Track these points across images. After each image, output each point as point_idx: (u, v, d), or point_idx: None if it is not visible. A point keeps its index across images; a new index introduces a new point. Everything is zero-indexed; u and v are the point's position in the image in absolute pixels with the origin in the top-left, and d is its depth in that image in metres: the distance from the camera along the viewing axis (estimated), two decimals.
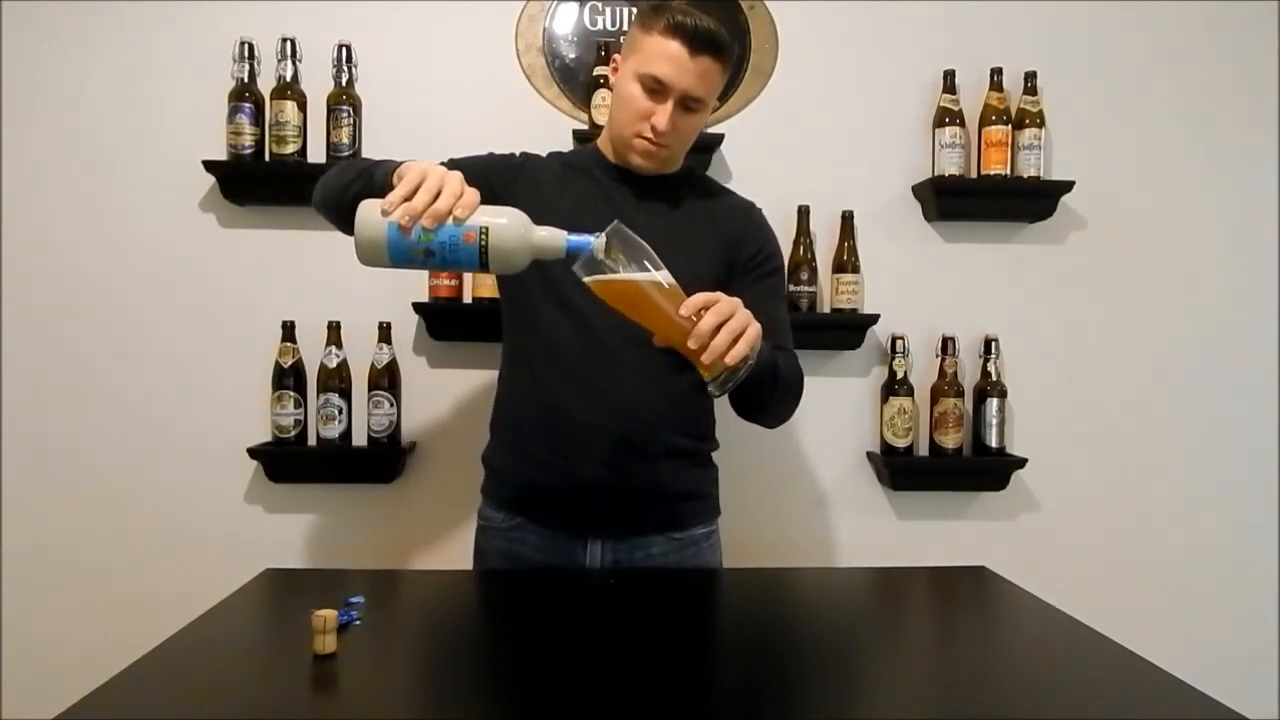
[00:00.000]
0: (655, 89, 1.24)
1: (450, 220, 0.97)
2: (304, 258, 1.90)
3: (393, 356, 1.85)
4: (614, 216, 1.29)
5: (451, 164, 1.30)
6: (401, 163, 1.11)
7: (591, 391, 1.28)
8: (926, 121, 1.97)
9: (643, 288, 0.99)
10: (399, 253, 0.99)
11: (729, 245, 1.36)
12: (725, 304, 1.00)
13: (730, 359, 0.98)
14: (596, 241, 0.97)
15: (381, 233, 0.99)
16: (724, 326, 0.98)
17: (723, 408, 1.38)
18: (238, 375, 1.88)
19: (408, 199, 0.98)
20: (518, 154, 1.40)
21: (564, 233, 1.01)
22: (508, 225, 1.00)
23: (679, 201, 1.37)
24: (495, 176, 1.30)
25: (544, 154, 1.42)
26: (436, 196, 0.98)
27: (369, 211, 1.01)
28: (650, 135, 1.27)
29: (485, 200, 1.05)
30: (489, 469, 1.43)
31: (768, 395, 1.28)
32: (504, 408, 1.41)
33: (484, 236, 0.98)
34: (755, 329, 1.02)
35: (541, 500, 1.32)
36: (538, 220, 1.09)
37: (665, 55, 1.22)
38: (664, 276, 1.00)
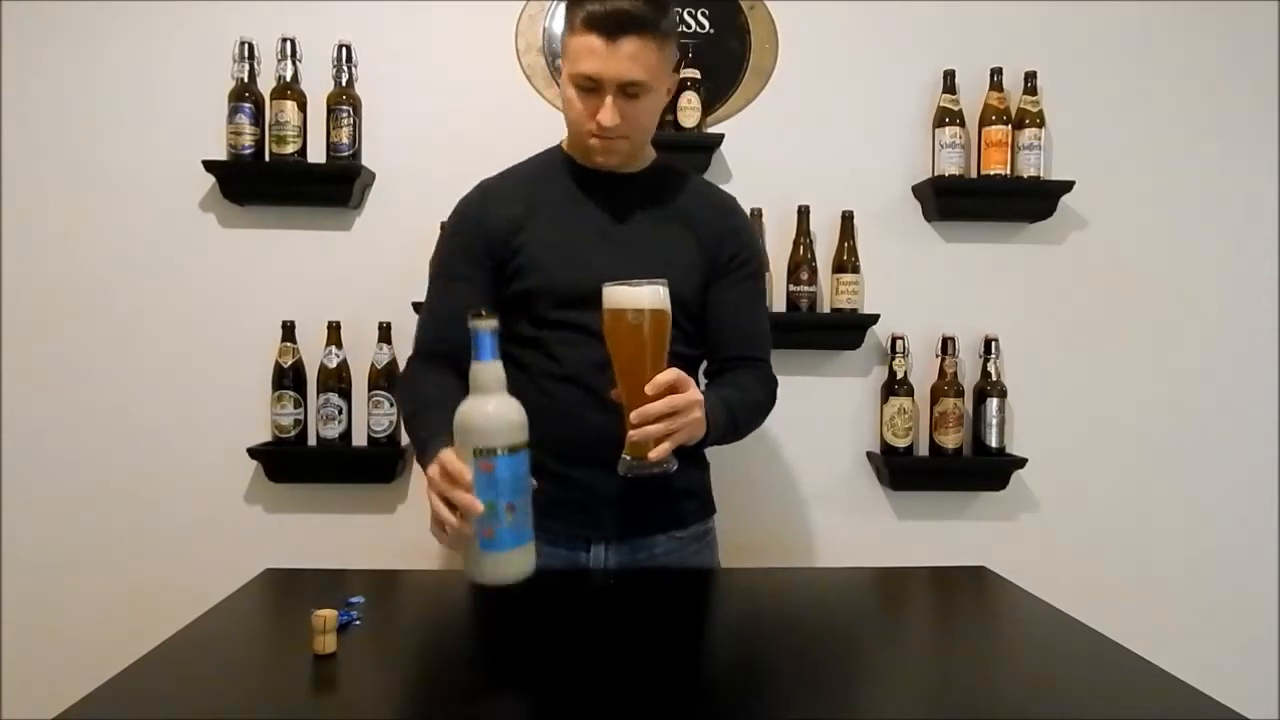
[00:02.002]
0: (590, 87, 1.21)
1: (473, 523, 0.95)
2: (304, 258, 1.90)
3: (393, 356, 1.85)
4: (596, 218, 1.31)
5: (439, 270, 1.35)
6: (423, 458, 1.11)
7: (595, 398, 1.26)
8: (926, 121, 1.97)
9: (646, 343, 1.06)
10: (496, 543, 0.96)
11: (709, 245, 1.34)
12: (683, 400, 1.05)
13: (652, 454, 1.04)
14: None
15: (472, 556, 0.97)
16: (668, 421, 1.04)
17: None
18: (238, 375, 1.88)
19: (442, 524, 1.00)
20: (475, 196, 1.35)
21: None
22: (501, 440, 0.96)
23: (656, 199, 1.35)
24: (486, 243, 1.29)
25: (497, 173, 1.38)
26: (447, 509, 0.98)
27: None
28: (600, 133, 1.24)
29: (493, 265, 1.25)
30: None
31: (724, 442, 1.29)
32: None
33: (492, 464, 0.95)
34: (690, 435, 1.08)
35: (545, 507, 1.29)
36: (525, 242, 1.24)
37: (587, 51, 1.18)
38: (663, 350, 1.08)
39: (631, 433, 1.04)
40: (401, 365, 1.88)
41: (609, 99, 1.20)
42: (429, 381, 1.26)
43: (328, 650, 0.92)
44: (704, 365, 1.41)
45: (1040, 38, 1.98)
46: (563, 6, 1.89)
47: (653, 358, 1.06)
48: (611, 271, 1.21)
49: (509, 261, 1.29)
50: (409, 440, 1.29)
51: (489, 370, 0.96)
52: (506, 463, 0.95)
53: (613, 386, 1.27)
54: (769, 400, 1.37)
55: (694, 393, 1.08)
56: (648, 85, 1.21)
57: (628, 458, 1.06)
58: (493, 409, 0.96)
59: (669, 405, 1.04)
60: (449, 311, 1.27)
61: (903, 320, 1.96)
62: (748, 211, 1.91)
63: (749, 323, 1.38)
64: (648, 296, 1.06)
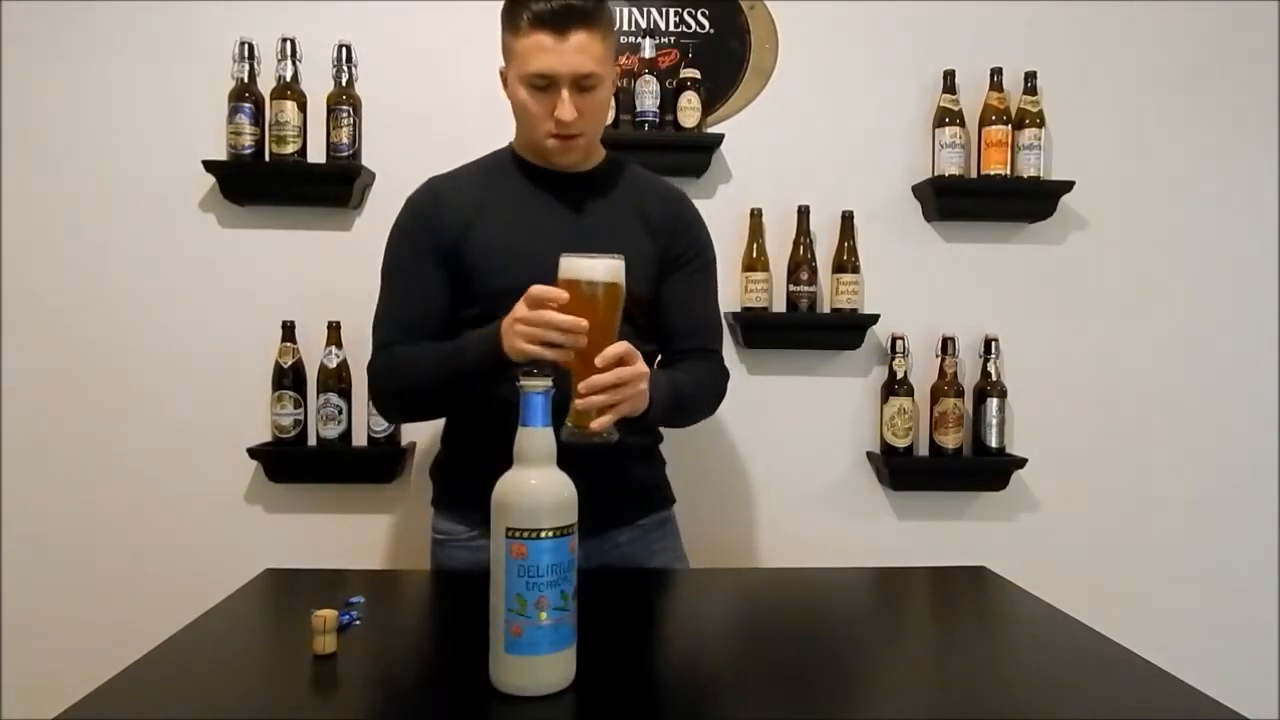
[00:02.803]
0: (543, 85, 1.21)
1: (499, 618, 0.83)
2: (304, 258, 1.90)
3: None
4: (545, 217, 1.31)
5: (394, 268, 1.33)
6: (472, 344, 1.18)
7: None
8: (926, 121, 1.97)
9: (600, 315, 1.05)
10: (525, 644, 0.82)
11: (661, 236, 1.34)
12: (629, 372, 1.07)
13: (593, 424, 1.05)
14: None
15: (495, 658, 0.84)
16: (613, 392, 1.05)
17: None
18: (238, 375, 1.88)
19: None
20: (426, 194, 1.35)
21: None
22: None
23: (608, 194, 1.35)
24: (438, 242, 1.29)
25: (445, 171, 1.39)
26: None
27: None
28: (558, 130, 1.24)
29: (447, 265, 1.25)
30: (442, 482, 1.40)
31: (667, 422, 1.30)
32: (460, 419, 1.37)
33: (528, 549, 0.83)
34: (634, 407, 1.10)
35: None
36: (475, 242, 1.26)
37: (538, 49, 1.19)
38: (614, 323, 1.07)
39: (577, 402, 1.05)
40: None
41: (564, 94, 1.21)
42: (403, 348, 1.28)
43: (328, 650, 0.92)
44: (658, 360, 1.41)
45: (1040, 38, 1.98)
46: None
47: (605, 330, 1.06)
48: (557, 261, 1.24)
49: (461, 261, 1.29)
50: (424, 388, 1.24)
51: (538, 438, 0.85)
52: (547, 549, 0.81)
53: (558, 388, 1.26)
54: (718, 387, 1.39)
55: (640, 366, 1.10)
56: (599, 76, 1.23)
57: (570, 425, 1.04)
58: (536, 482, 0.84)
59: (616, 377, 1.06)
60: (407, 314, 1.29)
61: (903, 320, 1.96)
62: (747, 212, 1.92)
63: (701, 314, 1.39)
64: (604, 269, 1.06)
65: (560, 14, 1.17)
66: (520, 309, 1.07)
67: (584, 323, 1.03)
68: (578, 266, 1.06)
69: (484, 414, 1.30)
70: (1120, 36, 2.00)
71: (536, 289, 1.05)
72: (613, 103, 1.83)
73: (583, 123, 1.24)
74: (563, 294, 1.03)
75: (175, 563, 1.87)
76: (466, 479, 1.33)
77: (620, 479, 1.32)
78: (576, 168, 1.33)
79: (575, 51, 1.19)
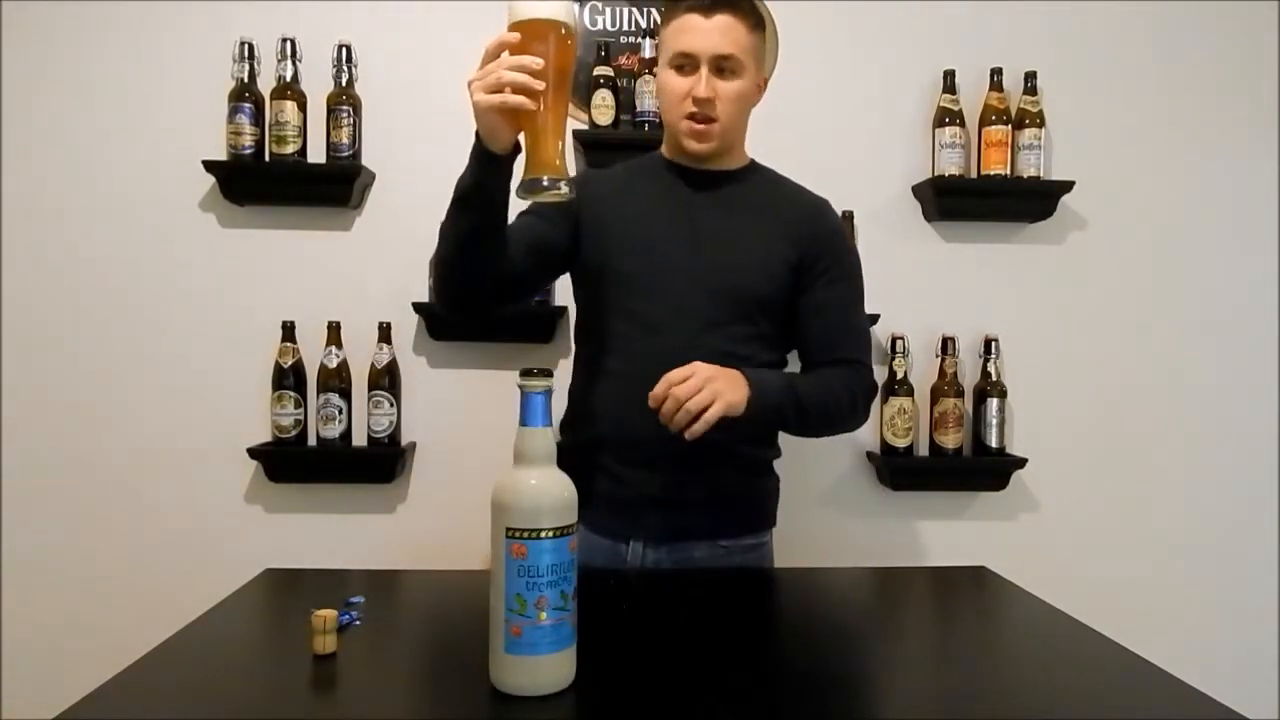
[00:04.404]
0: (685, 64, 1.26)
1: (498, 618, 0.83)
2: (304, 258, 1.90)
3: (393, 356, 1.85)
4: (678, 212, 1.32)
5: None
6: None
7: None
8: (926, 121, 1.97)
9: (554, 48, 1.00)
10: (525, 645, 0.82)
11: (798, 244, 1.32)
12: (679, 373, 1.10)
13: (686, 434, 1.10)
14: None
15: (494, 657, 0.84)
16: (670, 396, 1.10)
17: None
18: (238, 375, 1.88)
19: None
20: (577, 175, 1.41)
21: None
22: None
23: (745, 194, 1.35)
24: (575, 205, 1.28)
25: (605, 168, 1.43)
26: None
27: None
28: (694, 109, 1.26)
29: (569, 224, 1.27)
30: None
31: (788, 423, 1.28)
32: (574, 408, 1.38)
33: (528, 549, 0.82)
34: (724, 402, 1.11)
35: (591, 500, 1.22)
36: (604, 227, 1.27)
37: (684, 29, 1.25)
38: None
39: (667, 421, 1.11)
40: (402, 365, 1.89)
41: (703, 72, 1.24)
42: None
43: (328, 650, 0.92)
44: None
45: (1040, 38, 1.98)
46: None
47: (562, 71, 1.02)
48: (685, 255, 1.26)
49: (588, 236, 1.31)
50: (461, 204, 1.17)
51: (536, 438, 0.84)
52: (547, 549, 0.81)
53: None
54: (852, 393, 1.31)
55: (696, 365, 1.12)
56: (739, 62, 1.26)
57: (525, 179, 1.01)
58: (536, 482, 0.83)
59: (666, 382, 1.10)
60: (512, 230, 1.24)
61: (903, 320, 1.96)
62: None
63: (841, 324, 1.35)
64: (549, 7, 1.01)
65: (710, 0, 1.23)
66: (472, 69, 1.04)
67: (537, 60, 0.99)
68: (524, 7, 1.03)
69: (594, 410, 1.32)
70: (1120, 36, 2.00)
71: (491, 41, 1.03)
72: (613, 101, 1.85)
73: (719, 107, 1.26)
74: (512, 36, 1.01)
75: (175, 563, 1.87)
76: (580, 465, 1.27)
77: (715, 495, 1.29)
78: (717, 165, 1.34)
79: (718, 32, 1.23)
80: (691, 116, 1.27)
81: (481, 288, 1.25)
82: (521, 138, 1.06)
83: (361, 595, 1.09)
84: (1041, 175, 1.93)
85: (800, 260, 1.32)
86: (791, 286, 1.32)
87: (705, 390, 1.10)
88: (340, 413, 1.83)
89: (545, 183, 1.00)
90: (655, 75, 1.40)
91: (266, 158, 1.83)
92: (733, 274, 1.29)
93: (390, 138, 1.89)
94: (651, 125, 1.86)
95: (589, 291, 1.35)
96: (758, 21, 1.29)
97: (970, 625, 1.16)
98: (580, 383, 1.37)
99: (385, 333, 1.85)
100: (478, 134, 1.10)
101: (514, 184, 1.06)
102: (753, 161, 1.40)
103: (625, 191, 1.35)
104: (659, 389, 1.10)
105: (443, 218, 1.20)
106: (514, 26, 1.02)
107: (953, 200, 1.94)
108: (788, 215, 1.35)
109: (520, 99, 1.00)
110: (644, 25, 1.93)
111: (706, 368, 1.12)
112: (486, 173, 1.11)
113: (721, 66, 1.25)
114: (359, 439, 1.86)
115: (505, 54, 1.02)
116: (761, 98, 1.35)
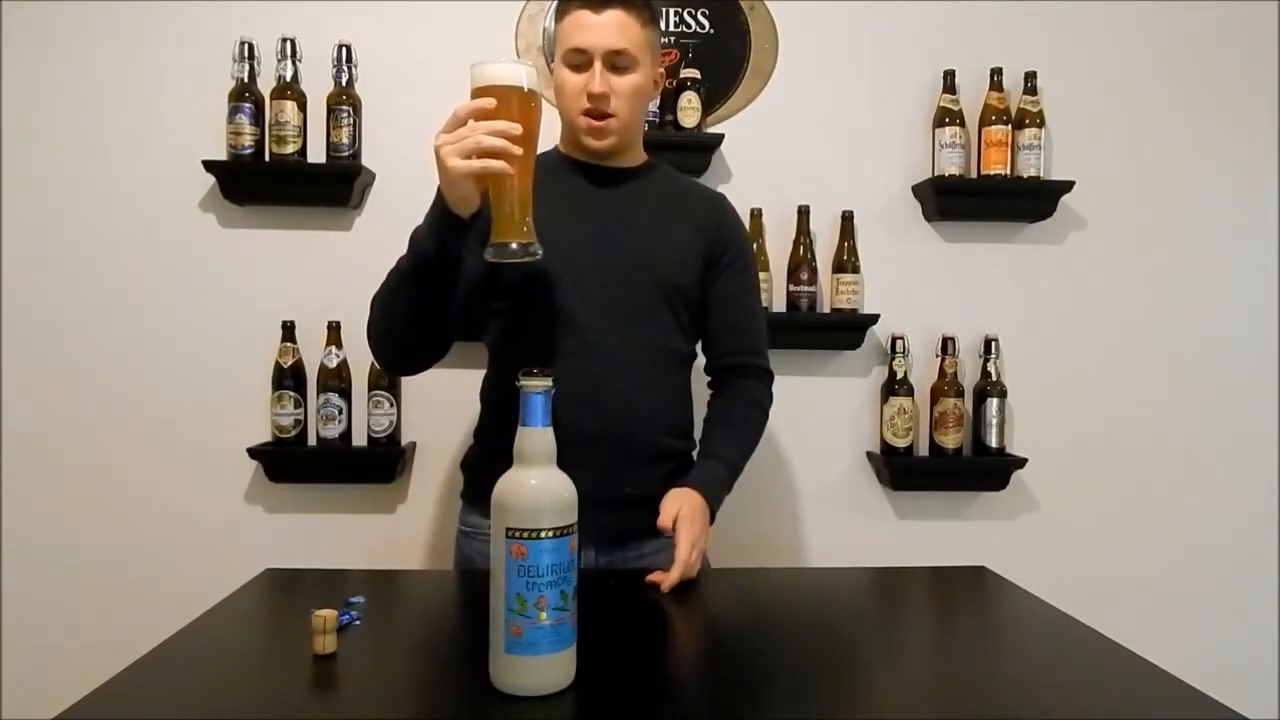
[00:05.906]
0: (578, 61, 1.25)
1: (499, 618, 0.83)
2: (304, 258, 1.90)
3: None
4: (589, 210, 1.32)
5: None
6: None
7: (589, 399, 1.25)
8: (926, 121, 1.97)
9: (522, 112, 1.01)
10: (525, 644, 0.82)
11: (705, 237, 1.35)
12: (695, 563, 1.18)
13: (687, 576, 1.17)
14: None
15: (494, 658, 0.84)
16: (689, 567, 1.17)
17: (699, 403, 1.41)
18: (238, 375, 1.88)
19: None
20: None
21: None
22: None
23: (649, 189, 1.36)
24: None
25: None
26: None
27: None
28: (589, 105, 1.26)
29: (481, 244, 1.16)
30: (472, 476, 1.40)
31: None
32: (493, 416, 1.38)
33: (528, 549, 0.83)
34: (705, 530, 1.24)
35: None
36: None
37: (577, 25, 1.24)
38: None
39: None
40: None
41: (597, 66, 1.24)
42: None
43: (328, 650, 0.92)
44: (707, 381, 1.42)
45: (1040, 38, 1.98)
46: None
47: (530, 135, 1.03)
48: (601, 252, 1.25)
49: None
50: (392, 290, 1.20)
51: (538, 437, 0.84)
52: (547, 549, 0.81)
53: (608, 392, 1.26)
54: (765, 414, 1.41)
55: (688, 536, 1.19)
56: (632, 57, 1.25)
57: (493, 244, 1.04)
58: (536, 483, 0.83)
59: (679, 567, 1.16)
60: None
61: (903, 320, 1.96)
62: (747, 212, 1.92)
63: (746, 320, 1.40)
64: (520, 71, 1.02)
65: None
66: (441, 135, 1.03)
67: (515, 126, 1.00)
68: (491, 73, 1.02)
69: (515, 409, 1.31)
70: (1120, 36, 2.00)
71: (460, 106, 1.02)
72: None
73: (615, 102, 1.26)
74: (487, 102, 1.00)
75: (175, 562, 1.87)
76: (495, 476, 1.32)
77: (655, 489, 1.29)
78: (618, 161, 1.34)
79: (609, 27, 1.23)
80: (588, 113, 1.27)
81: (435, 349, 1.27)
82: (486, 200, 1.06)
83: (361, 595, 1.09)
84: (1041, 175, 1.93)
85: (709, 251, 1.35)
86: (702, 275, 1.35)
87: (695, 551, 1.18)
88: (340, 413, 1.83)
89: (515, 247, 1.03)
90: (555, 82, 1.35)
91: (266, 158, 1.83)
92: (652, 267, 1.30)
93: (390, 138, 1.89)
94: (652, 125, 1.86)
95: (497, 294, 1.31)
96: (651, 17, 1.29)
97: (970, 625, 1.16)
98: (498, 387, 1.35)
99: None
100: (440, 198, 1.10)
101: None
102: (651, 158, 1.41)
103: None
104: (673, 575, 1.15)
105: (380, 289, 1.21)
106: (484, 91, 1.02)
107: (953, 200, 1.94)
108: (693, 209, 1.37)
109: (501, 164, 1.00)
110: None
111: (690, 527, 1.19)
112: (453, 237, 1.11)
113: (615, 63, 1.25)
114: (359, 439, 1.86)
115: (471, 120, 1.02)
116: (659, 93, 1.36)
